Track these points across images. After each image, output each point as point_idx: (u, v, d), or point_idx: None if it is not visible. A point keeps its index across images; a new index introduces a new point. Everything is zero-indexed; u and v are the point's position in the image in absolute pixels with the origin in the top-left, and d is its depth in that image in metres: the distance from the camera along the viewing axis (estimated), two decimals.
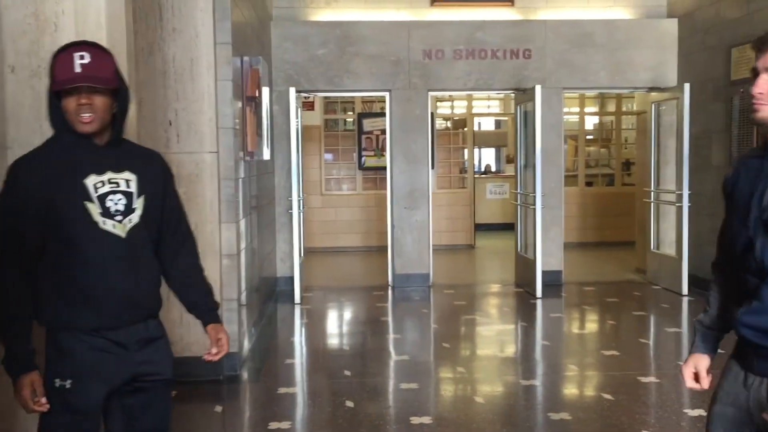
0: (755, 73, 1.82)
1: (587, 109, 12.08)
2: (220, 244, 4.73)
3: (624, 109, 11.85)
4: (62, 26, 2.69)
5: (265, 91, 6.46)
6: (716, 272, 2.07)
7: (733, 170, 1.98)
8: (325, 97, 10.52)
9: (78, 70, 1.99)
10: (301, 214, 7.50)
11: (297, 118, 7.52)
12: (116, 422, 2.19)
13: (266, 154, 6.50)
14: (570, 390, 4.78)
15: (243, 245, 5.22)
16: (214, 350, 2.31)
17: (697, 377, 2.07)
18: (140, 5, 4.34)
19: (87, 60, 2.01)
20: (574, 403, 4.51)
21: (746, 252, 1.86)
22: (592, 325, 6.72)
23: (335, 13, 8.07)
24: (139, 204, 2.12)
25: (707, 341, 2.08)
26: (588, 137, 12.31)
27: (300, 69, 7.80)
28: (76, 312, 2.05)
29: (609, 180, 11.85)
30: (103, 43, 2.64)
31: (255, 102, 5.76)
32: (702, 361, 2.07)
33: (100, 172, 2.07)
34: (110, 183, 2.07)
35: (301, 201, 7.44)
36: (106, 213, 2.06)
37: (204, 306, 2.35)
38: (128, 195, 2.10)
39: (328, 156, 11.11)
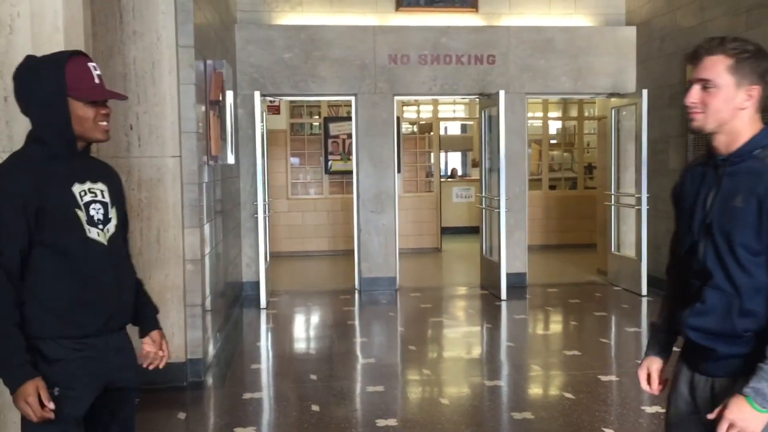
0: (690, 84, 1.89)
1: (550, 114, 12.28)
2: (183, 250, 4.69)
3: (586, 114, 12.07)
4: (17, 28, 2.65)
5: (230, 94, 6.43)
6: (669, 276, 2.13)
7: (680, 178, 2.05)
8: (291, 101, 10.50)
9: (97, 81, 2.08)
10: (267, 218, 7.46)
11: (262, 122, 7.49)
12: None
13: (231, 159, 6.47)
14: (533, 390, 4.84)
15: (207, 250, 5.18)
16: (161, 353, 2.33)
17: (650, 379, 2.12)
18: (99, 8, 4.28)
19: (98, 72, 2.10)
20: (537, 402, 4.57)
21: (690, 255, 1.91)
22: (555, 326, 6.82)
23: (300, 16, 8.07)
24: (113, 213, 2.17)
25: (660, 344, 2.12)
26: (551, 141, 12.50)
27: (265, 72, 7.77)
28: (62, 321, 2.04)
29: (572, 183, 12.03)
30: (61, 45, 2.62)
31: (219, 105, 5.73)
32: (654, 364, 2.11)
33: (82, 181, 2.10)
34: (90, 192, 2.11)
35: (267, 205, 7.41)
36: (90, 221, 2.09)
37: (150, 311, 2.36)
38: (104, 204, 2.14)
39: (295, 160, 11.08)
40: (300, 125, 11.31)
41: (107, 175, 2.22)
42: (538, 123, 12.07)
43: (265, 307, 7.19)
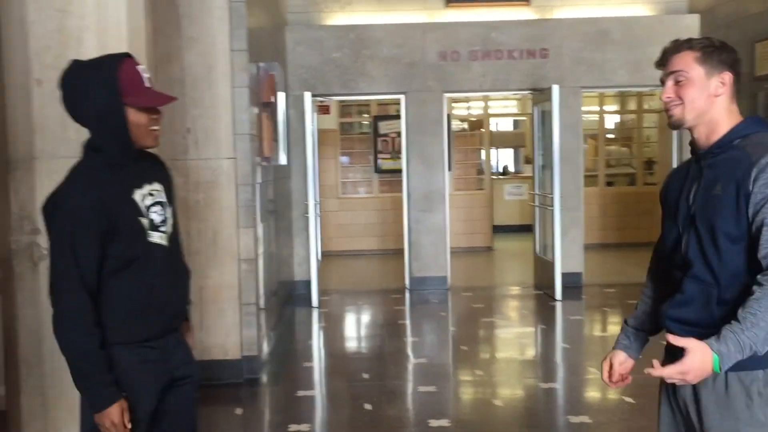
0: (662, 84, 1.93)
1: (607, 108, 11.97)
2: (238, 249, 4.77)
3: (645, 107, 11.74)
4: (85, 40, 2.75)
5: (281, 96, 6.50)
6: (648, 276, 2.14)
7: (666, 179, 2.08)
8: (341, 101, 10.54)
9: (148, 84, 2.05)
10: (318, 217, 7.52)
11: (313, 122, 7.56)
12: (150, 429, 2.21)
13: (283, 159, 6.54)
14: (591, 393, 4.75)
15: (261, 250, 5.25)
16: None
17: (611, 373, 2.09)
18: (158, 16, 4.38)
19: (148, 75, 2.08)
20: (594, 406, 4.48)
21: (674, 249, 1.92)
22: (613, 328, 6.67)
23: (349, 16, 8.10)
24: (169, 213, 2.17)
25: (628, 339, 2.11)
26: (608, 136, 12.20)
27: (315, 73, 7.83)
28: (128, 326, 2.06)
29: (630, 179, 11.72)
30: None
31: (271, 107, 5.80)
32: (618, 357, 2.10)
33: (140, 185, 2.09)
34: (150, 195, 2.10)
35: (318, 205, 7.47)
36: (152, 225, 2.09)
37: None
38: (162, 205, 2.14)
39: (344, 159, 11.14)
40: (350, 124, 11.37)
41: (161, 174, 2.21)
42: (594, 117, 11.79)
43: (316, 305, 7.26)
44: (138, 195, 2.07)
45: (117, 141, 2.02)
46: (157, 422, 2.19)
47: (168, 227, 2.15)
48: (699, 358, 1.68)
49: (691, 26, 7.88)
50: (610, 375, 2.10)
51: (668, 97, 1.90)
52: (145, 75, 2.06)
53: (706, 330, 1.78)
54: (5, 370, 3.03)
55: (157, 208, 2.11)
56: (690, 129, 1.91)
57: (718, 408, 1.80)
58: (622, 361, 2.10)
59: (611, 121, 12.80)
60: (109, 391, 1.99)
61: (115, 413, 1.98)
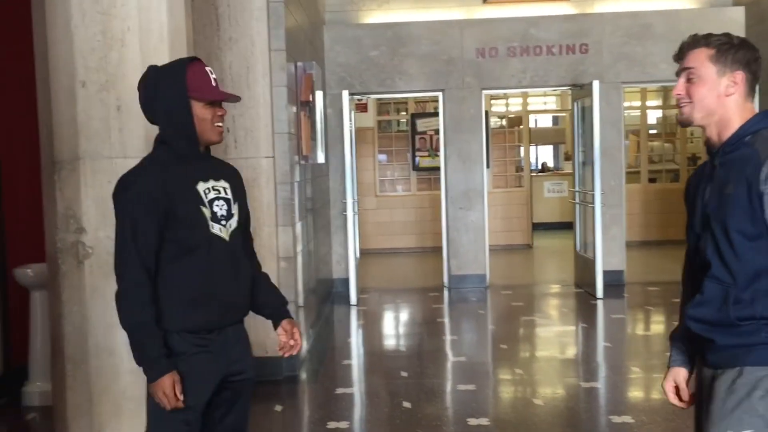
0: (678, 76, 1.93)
1: (649, 103, 11.74)
2: (277, 247, 4.81)
3: None
4: (128, 42, 2.80)
5: (319, 95, 6.53)
6: (681, 281, 2.08)
7: (689, 178, 2.06)
8: (378, 99, 10.55)
9: (214, 84, 2.18)
10: (356, 215, 7.54)
11: (350, 120, 7.58)
12: (203, 419, 2.25)
13: (321, 158, 6.58)
14: (633, 393, 4.67)
15: (299, 248, 5.29)
16: (292, 342, 2.35)
17: (678, 392, 2.02)
18: (198, 17, 4.45)
19: (214, 76, 2.21)
20: (637, 406, 4.40)
21: (695, 249, 1.91)
22: (656, 327, 6.54)
23: (386, 14, 8.10)
24: (235, 210, 2.24)
25: (681, 353, 2.03)
26: (651, 132, 11.96)
27: (353, 71, 7.85)
28: (185, 315, 2.13)
29: (674, 176, 11.47)
30: (166, 56, 2.75)
31: (309, 106, 5.84)
32: (680, 374, 2.02)
33: (206, 179, 2.19)
34: (214, 189, 2.20)
35: (356, 203, 7.49)
36: (214, 217, 2.17)
37: (278, 303, 2.40)
38: (228, 201, 2.22)
39: (382, 157, 11.15)
40: (387, 122, 11.37)
41: (230, 173, 2.30)
42: (636, 113, 11.58)
43: (355, 303, 7.28)
44: (201, 187, 2.17)
45: (183, 134, 2.14)
46: (210, 414, 2.24)
47: (232, 223, 2.22)
48: None
49: (735, 19, 7.67)
50: (679, 396, 2.02)
51: (678, 95, 1.90)
52: (212, 76, 2.19)
53: (723, 329, 1.79)
54: (52, 366, 3.10)
55: (221, 202, 2.19)
56: (702, 128, 1.90)
57: (726, 393, 1.79)
58: (686, 376, 2.03)
59: (654, 117, 12.54)
60: (162, 363, 2.08)
61: (167, 384, 2.07)
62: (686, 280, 2.04)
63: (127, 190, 2.12)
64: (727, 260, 1.79)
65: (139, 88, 2.21)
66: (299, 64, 5.55)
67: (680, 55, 1.92)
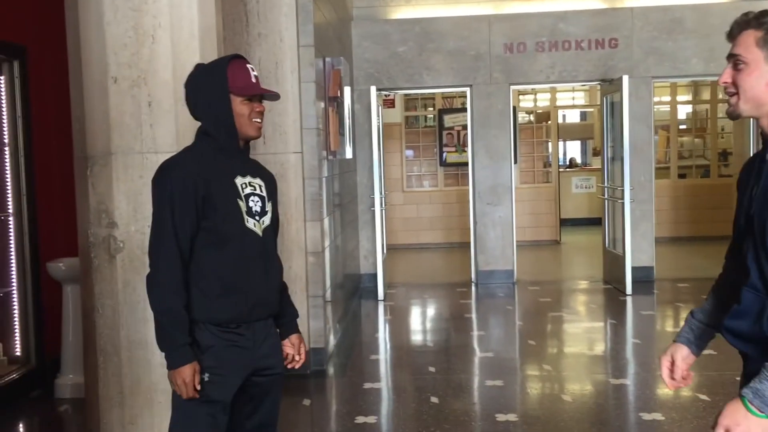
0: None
1: (679, 98, 11.56)
2: (305, 242, 4.84)
3: (720, 96, 11.26)
4: (159, 38, 2.83)
5: (347, 90, 6.55)
6: (723, 265, 1.93)
7: (742, 166, 1.85)
8: (406, 95, 10.54)
9: (254, 80, 2.21)
10: (383, 211, 7.55)
11: (378, 116, 7.58)
12: (232, 414, 2.26)
13: (348, 153, 6.60)
14: (663, 390, 4.60)
15: (327, 243, 5.31)
16: (297, 357, 2.39)
17: (674, 369, 1.87)
18: (227, 13, 4.49)
19: (255, 73, 2.24)
20: (667, 403, 4.34)
21: (738, 250, 1.73)
22: None
23: (414, 10, 8.08)
24: (269, 207, 2.27)
25: (691, 332, 1.89)
26: (681, 127, 11.78)
27: (380, 67, 7.86)
28: (215, 306, 2.14)
29: (704, 171, 11.29)
30: (196, 52, 2.78)
31: (337, 102, 5.85)
32: (680, 351, 1.87)
33: (243, 174, 2.22)
34: (250, 185, 2.22)
35: (383, 198, 7.50)
36: (249, 212, 2.19)
37: (291, 315, 2.42)
38: (262, 198, 2.25)
39: (409, 153, 11.13)
40: (414, 118, 11.35)
41: (266, 174, 2.34)
42: (666, 108, 11.40)
43: (382, 299, 7.29)
44: (239, 181, 2.20)
45: (223, 126, 2.17)
46: (238, 409, 2.25)
47: (266, 220, 2.24)
48: (729, 410, 1.54)
49: None
50: (672, 372, 1.88)
51: (724, 83, 1.71)
52: (253, 72, 2.23)
53: (757, 344, 1.63)
54: (84, 359, 3.14)
55: (256, 198, 2.22)
56: (755, 119, 1.71)
57: None
58: (685, 356, 1.88)
59: (683, 112, 12.34)
60: (183, 350, 2.09)
61: (187, 373, 2.07)
62: (727, 266, 1.89)
63: (167, 175, 2.15)
64: (765, 271, 1.60)
65: (185, 86, 2.26)
66: (327, 59, 5.57)
67: (730, 36, 1.71)
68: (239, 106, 2.17)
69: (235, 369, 2.18)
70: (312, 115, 4.88)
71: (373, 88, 7.40)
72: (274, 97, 2.31)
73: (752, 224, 1.65)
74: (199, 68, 2.26)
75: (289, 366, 2.39)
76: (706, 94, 11.60)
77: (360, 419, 4.05)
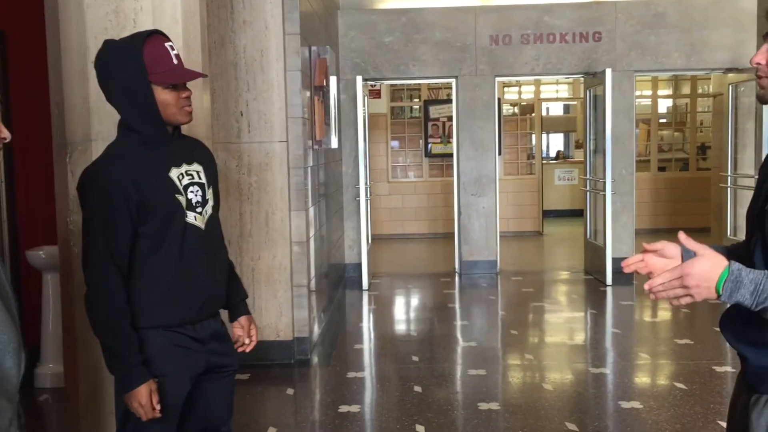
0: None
1: (660, 92, 11.68)
2: (290, 232, 4.84)
3: (699, 91, 11.39)
4: (140, 22, 2.78)
5: (333, 80, 6.53)
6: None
7: (764, 160, 1.72)
8: (392, 85, 10.54)
9: (176, 62, 1.98)
10: (368, 201, 7.56)
11: (364, 106, 7.58)
12: (184, 412, 2.15)
13: (334, 143, 6.59)
14: (641, 379, 4.68)
15: (312, 232, 5.32)
16: (247, 340, 2.28)
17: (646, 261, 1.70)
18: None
19: (176, 51, 2.00)
20: (645, 391, 4.41)
21: (748, 242, 1.65)
22: (664, 313, 6.53)
23: (401, 0, 8.06)
24: (210, 195, 2.10)
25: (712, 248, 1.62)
26: (661, 121, 11.90)
27: (366, 57, 7.84)
28: (160, 309, 2.01)
29: (683, 165, 11.45)
30: (179, 37, 2.74)
31: (323, 91, 5.84)
32: (669, 249, 1.72)
33: (178, 164, 2.03)
34: (187, 174, 2.04)
35: (368, 188, 7.51)
36: (189, 205, 2.03)
37: (240, 296, 2.30)
38: (202, 186, 2.07)
39: (395, 143, 11.14)
40: (400, 109, 11.35)
41: (201, 154, 2.14)
42: (647, 102, 11.52)
43: (367, 288, 7.32)
44: (175, 173, 2.01)
45: (148, 119, 1.98)
46: (191, 409, 2.13)
47: (207, 209, 2.08)
48: (707, 266, 1.41)
49: (748, 9, 7.59)
50: (643, 263, 1.70)
51: (757, 63, 1.55)
52: (173, 52, 1.99)
53: (757, 347, 1.54)
54: (63, 348, 3.11)
55: (195, 188, 2.04)
56: None
57: (759, 424, 1.54)
58: (673, 254, 1.71)
59: (664, 106, 12.47)
60: (137, 371, 1.95)
61: (143, 394, 1.94)
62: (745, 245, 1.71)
63: (92, 185, 1.95)
64: None
65: (95, 66, 2.02)
66: (313, 48, 5.55)
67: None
68: (163, 95, 1.95)
69: (184, 369, 2.06)
70: (297, 104, 4.86)
71: (359, 78, 7.40)
72: (201, 76, 2.08)
73: (763, 218, 1.55)
74: (110, 47, 1.99)
75: (240, 350, 2.26)
76: (686, 89, 11.73)
77: (344, 408, 4.08)
